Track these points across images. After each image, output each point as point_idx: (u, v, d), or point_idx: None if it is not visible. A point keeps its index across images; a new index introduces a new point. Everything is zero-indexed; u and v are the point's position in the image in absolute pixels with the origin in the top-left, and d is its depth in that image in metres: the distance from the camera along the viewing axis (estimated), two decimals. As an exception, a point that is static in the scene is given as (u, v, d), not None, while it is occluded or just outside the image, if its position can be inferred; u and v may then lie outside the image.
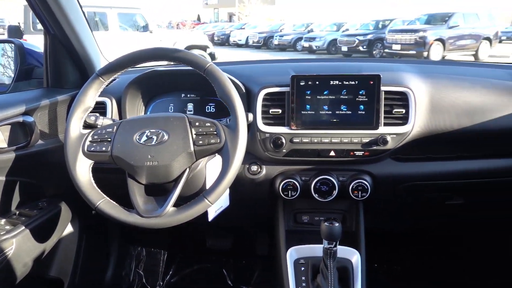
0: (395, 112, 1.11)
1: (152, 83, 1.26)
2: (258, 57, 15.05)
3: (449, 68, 1.29)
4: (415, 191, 1.25)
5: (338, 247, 1.09)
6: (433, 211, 1.37)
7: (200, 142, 0.91)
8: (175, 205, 0.91)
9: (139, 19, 8.16)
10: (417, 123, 1.12)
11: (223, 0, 42.10)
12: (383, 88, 1.10)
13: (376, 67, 1.25)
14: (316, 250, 1.15)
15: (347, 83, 1.11)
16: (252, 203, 1.32)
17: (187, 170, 0.93)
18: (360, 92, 1.10)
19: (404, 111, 1.11)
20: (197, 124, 0.92)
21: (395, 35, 12.18)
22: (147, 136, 0.91)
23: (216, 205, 1.14)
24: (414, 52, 11.47)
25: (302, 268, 1.14)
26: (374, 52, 13.09)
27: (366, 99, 1.10)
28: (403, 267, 1.69)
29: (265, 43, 17.95)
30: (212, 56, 9.09)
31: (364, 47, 13.17)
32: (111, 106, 1.24)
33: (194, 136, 0.91)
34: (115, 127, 0.94)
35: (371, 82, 1.10)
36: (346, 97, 1.11)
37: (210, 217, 1.12)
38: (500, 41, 13.44)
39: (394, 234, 1.67)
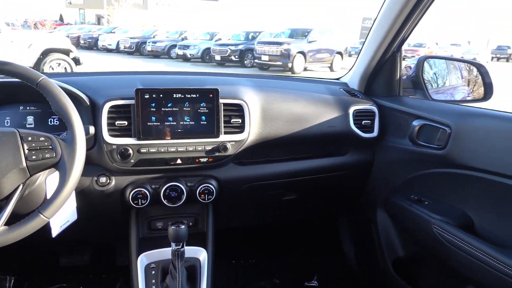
0: (233, 121, 1.25)
1: None
2: (131, 63, 14.47)
3: (279, 83, 1.50)
4: (256, 190, 1.42)
5: (187, 247, 1.18)
6: (274, 206, 1.57)
7: (34, 157, 0.89)
8: (9, 224, 0.87)
9: (-19, 15, 7.05)
10: (252, 130, 1.28)
11: (90, 0, 39.13)
12: (221, 101, 1.23)
13: (217, 81, 1.38)
14: (166, 253, 1.21)
15: (189, 96, 1.20)
16: (104, 214, 1.32)
17: (21, 186, 0.90)
18: (202, 104, 1.21)
19: (240, 120, 1.26)
20: (29, 139, 0.90)
21: (264, 47, 13.11)
22: None
23: (61, 219, 1.12)
24: (280, 63, 12.54)
25: (153, 272, 1.20)
26: (245, 62, 13.85)
27: (207, 111, 1.22)
28: (257, 260, 1.88)
29: (138, 49, 17.35)
30: (77, 60, 8.39)
31: (236, 56, 13.84)
32: None
33: (26, 151, 0.89)
34: None
35: (211, 95, 1.22)
36: (189, 109, 1.20)
37: (54, 233, 1.09)
38: (350, 55, 15.61)
39: (245, 231, 1.85)
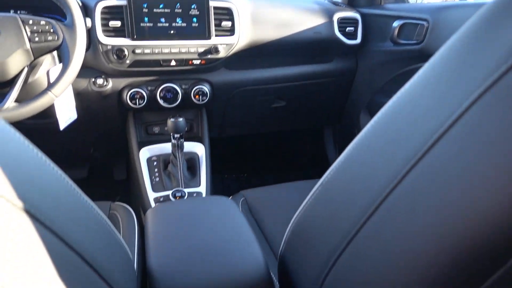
0: (223, 25, 1.29)
1: None
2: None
3: None
4: (247, 95, 1.49)
5: (186, 143, 1.26)
6: (264, 114, 1.65)
7: (36, 39, 0.93)
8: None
9: None
10: (242, 34, 1.33)
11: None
12: (211, 4, 1.27)
13: None
14: (166, 148, 1.30)
15: None
16: (102, 116, 1.37)
17: (26, 68, 0.95)
18: (192, 6, 1.25)
19: (230, 24, 1.30)
20: (30, 22, 0.94)
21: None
22: None
23: (65, 116, 1.18)
24: None
25: (155, 163, 1.28)
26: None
27: (198, 13, 1.26)
28: (248, 173, 2.00)
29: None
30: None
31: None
32: None
33: (29, 33, 0.93)
34: None
35: None
36: (180, 10, 1.24)
37: (62, 126, 1.15)
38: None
39: (237, 143, 1.94)
